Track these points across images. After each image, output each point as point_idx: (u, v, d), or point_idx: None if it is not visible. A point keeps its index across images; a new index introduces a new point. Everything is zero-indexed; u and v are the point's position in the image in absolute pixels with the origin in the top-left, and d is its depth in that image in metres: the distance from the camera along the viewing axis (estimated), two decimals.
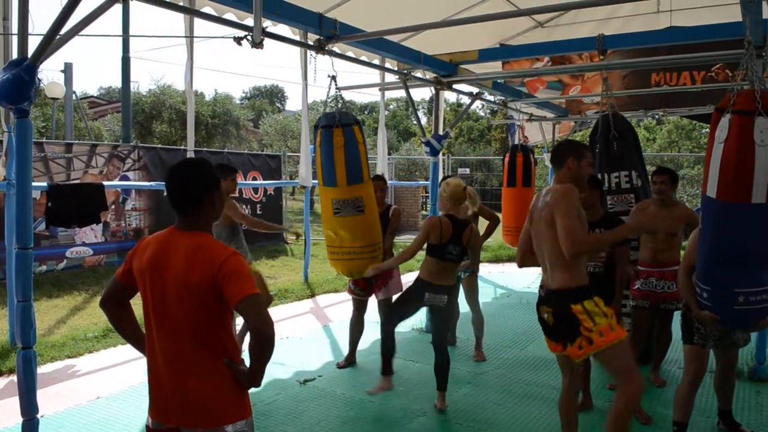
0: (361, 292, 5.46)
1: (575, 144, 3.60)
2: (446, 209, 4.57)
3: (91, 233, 9.62)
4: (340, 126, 4.75)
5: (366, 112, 47.30)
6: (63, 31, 3.11)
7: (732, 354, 3.96)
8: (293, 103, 57.21)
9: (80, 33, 3.26)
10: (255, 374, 2.19)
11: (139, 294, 2.33)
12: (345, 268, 5.11)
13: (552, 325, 3.35)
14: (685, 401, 3.79)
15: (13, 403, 3.57)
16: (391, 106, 42.57)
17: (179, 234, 2.25)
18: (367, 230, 4.98)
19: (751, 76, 3.08)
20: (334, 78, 5.08)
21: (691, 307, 3.60)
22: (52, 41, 3.07)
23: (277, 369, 5.36)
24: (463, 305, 6.05)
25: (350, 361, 5.62)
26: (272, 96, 53.58)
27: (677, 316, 3.99)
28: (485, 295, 8.38)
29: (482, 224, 5.91)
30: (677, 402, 3.82)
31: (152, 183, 9.34)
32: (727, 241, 3.13)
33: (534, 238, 3.48)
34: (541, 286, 3.52)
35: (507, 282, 9.75)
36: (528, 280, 9.60)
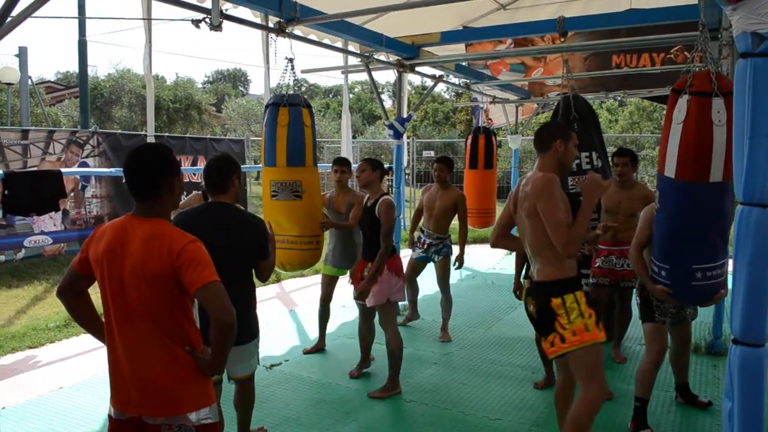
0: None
1: (561, 125, 3.43)
2: None
3: (51, 221, 9.40)
4: (287, 105, 4.63)
5: (331, 96, 46.97)
6: (14, 12, 3.01)
7: (685, 329, 4.06)
8: (256, 87, 56.41)
9: (33, 15, 3.16)
10: (217, 361, 2.19)
11: (97, 283, 2.28)
12: (277, 259, 4.81)
13: (536, 317, 3.19)
14: (648, 378, 3.87)
15: None
16: (356, 89, 42.29)
17: (136, 221, 2.20)
18: (303, 219, 4.72)
19: (707, 59, 3.13)
20: (291, 61, 4.96)
21: (645, 283, 3.66)
22: (2, 24, 2.97)
23: None
24: (435, 287, 6.10)
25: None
26: (235, 80, 52.80)
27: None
28: (451, 276, 8.45)
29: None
30: (639, 379, 3.89)
31: (112, 169, 9.16)
32: (686, 220, 3.19)
33: (518, 227, 3.30)
34: (528, 277, 3.34)
35: (473, 264, 9.82)
36: (493, 261, 9.70)
